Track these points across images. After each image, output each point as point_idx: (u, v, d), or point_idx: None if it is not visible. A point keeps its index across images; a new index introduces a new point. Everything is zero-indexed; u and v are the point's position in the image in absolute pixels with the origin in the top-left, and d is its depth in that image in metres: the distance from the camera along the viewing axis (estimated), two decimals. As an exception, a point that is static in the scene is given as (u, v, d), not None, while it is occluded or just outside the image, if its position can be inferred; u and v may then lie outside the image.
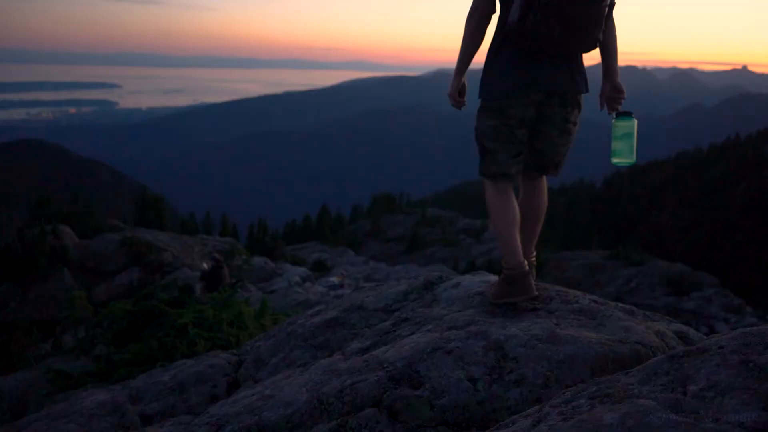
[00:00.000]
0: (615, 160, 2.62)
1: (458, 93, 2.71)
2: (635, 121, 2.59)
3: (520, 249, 2.64)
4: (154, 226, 22.12)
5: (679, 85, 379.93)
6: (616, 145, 2.56)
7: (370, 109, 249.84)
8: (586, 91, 2.68)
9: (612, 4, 2.45)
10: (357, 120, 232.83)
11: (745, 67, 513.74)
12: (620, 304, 2.79)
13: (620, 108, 2.70)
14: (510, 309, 2.59)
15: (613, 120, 2.61)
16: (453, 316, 2.60)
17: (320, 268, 22.09)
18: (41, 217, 18.42)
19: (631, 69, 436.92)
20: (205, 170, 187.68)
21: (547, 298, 2.69)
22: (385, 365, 2.24)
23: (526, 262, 2.64)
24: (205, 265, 8.80)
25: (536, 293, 2.63)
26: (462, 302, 2.78)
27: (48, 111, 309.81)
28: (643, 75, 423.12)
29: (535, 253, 2.97)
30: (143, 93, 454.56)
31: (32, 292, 15.68)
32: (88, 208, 20.74)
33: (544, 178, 2.89)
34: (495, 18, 2.61)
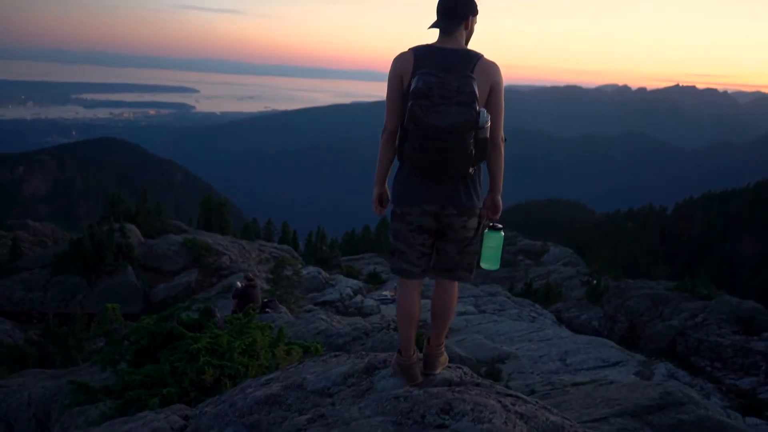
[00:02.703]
0: (483, 264, 3.00)
1: (379, 201, 3.00)
2: (502, 236, 2.99)
3: (412, 343, 3.02)
4: (216, 228, 22.81)
5: (763, 111, 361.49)
6: (484, 251, 2.97)
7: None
8: (478, 204, 2.92)
9: (487, 139, 2.73)
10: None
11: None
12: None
13: (496, 221, 3.04)
14: (418, 423, 2.59)
15: (485, 230, 2.97)
16: (360, 423, 2.57)
17: (374, 281, 22.08)
18: (112, 215, 19.31)
19: (710, 92, 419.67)
20: (273, 175, 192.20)
21: (460, 413, 2.57)
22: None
23: (415, 355, 3.03)
24: (238, 284, 8.90)
25: (420, 380, 3.01)
26: (382, 404, 2.75)
27: (129, 112, 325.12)
28: (723, 98, 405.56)
29: (443, 346, 3.17)
30: (219, 98, 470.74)
31: (98, 287, 16.42)
32: (156, 208, 21.54)
33: (455, 284, 3.06)
34: None
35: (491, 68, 2.80)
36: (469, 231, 2.93)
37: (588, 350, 10.97)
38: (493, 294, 20.22)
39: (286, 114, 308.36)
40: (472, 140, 2.69)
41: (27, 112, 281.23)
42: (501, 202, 3.04)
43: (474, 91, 2.64)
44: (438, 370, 3.13)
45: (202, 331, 3.49)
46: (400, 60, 2.85)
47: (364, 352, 3.38)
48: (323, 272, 17.89)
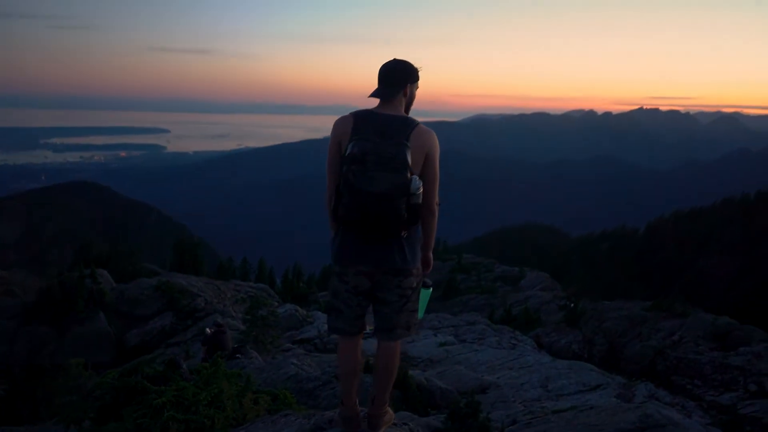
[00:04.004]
0: None
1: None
2: (430, 292, 3.16)
3: (352, 395, 3.13)
4: (190, 270, 22.47)
5: (724, 130, 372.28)
6: None
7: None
8: (414, 265, 2.99)
9: (419, 204, 2.83)
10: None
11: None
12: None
13: (427, 277, 3.16)
14: None
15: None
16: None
17: (353, 315, 21.90)
18: (82, 260, 18.93)
19: (673, 113, 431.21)
20: (247, 213, 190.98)
21: None
22: None
23: (355, 408, 3.14)
24: (208, 330, 8.74)
25: None
26: None
27: (100, 154, 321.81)
28: (686, 119, 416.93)
29: (386, 405, 3.23)
30: (191, 138, 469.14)
31: (69, 336, 15.96)
32: (127, 251, 21.21)
33: (397, 343, 3.11)
34: None
35: (427, 136, 2.87)
36: (405, 290, 2.97)
37: (569, 375, 10.98)
38: (472, 323, 20.20)
39: (258, 151, 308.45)
40: (404, 205, 2.75)
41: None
42: (432, 259, 3.14)
43: (406, 159, 2.73)
44: (382, 430, 3.17)
45: (168, 383, 3.39)
46: (339, 124, 2.93)
47: (312, 412, 3.38)
48: (300, 309, 17.70)
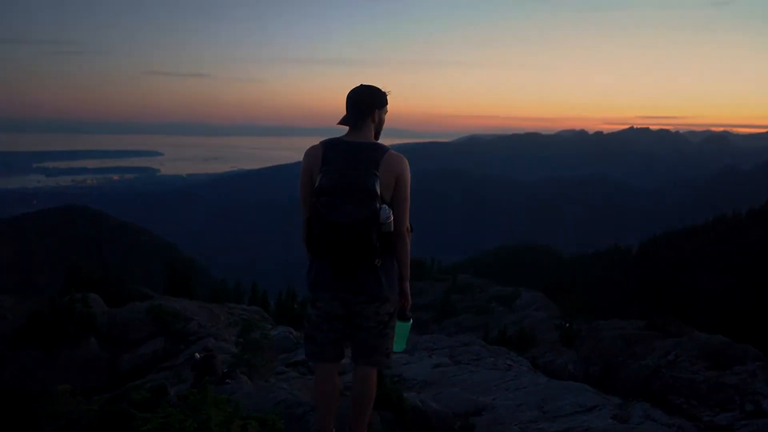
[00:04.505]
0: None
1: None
2: (409, 325, 3.14)
3: (329, 424, 3.10)
4: (183, 293, 22.33)
5: (714, 149, 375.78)
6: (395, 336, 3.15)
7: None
8: (389, 291, 2.98)
9: (391, 232, 2.82)
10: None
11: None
12: None
13: (406, 311, 3.13)
14: None
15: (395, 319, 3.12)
16: None
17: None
18: (73, 284, 18.80)
19: (663, 133, 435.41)
20: (240, 235, 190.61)
21: None
22: None
23: None
24: (197, 355, 8.68)
25: None
26: None
27: (92, 178, 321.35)
28: (676, 138, 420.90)
29: None
30: (184, 160, 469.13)
31: (59, 360, 15.78)
32: (119, 275, 21.09)
33: (374, 370, 3.11)
34: None
35: (396, 161, 2.87)
36: (383, 316, 2.97)
37: (565, 396, 10.90)
38: (467, 344, 20.08)
39: (251, 173, 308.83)
40: (375, 234, 2.76)
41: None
42: (409, 289, 3.10)
43: (375, 189, 2.73)
44: None
45: (155, 410, 3.35)
46: (309, 155, 2.96)
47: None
48: (294, 332, 17.58)
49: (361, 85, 2.94)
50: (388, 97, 3.01)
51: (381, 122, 2.98)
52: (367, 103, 2.90)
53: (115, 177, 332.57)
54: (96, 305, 17.32)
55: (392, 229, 2.84)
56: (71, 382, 14.41)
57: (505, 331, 27.92)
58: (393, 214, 2.83)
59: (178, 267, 23.14)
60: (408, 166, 2.93)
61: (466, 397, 10.43)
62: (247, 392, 6.54)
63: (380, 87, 2.98)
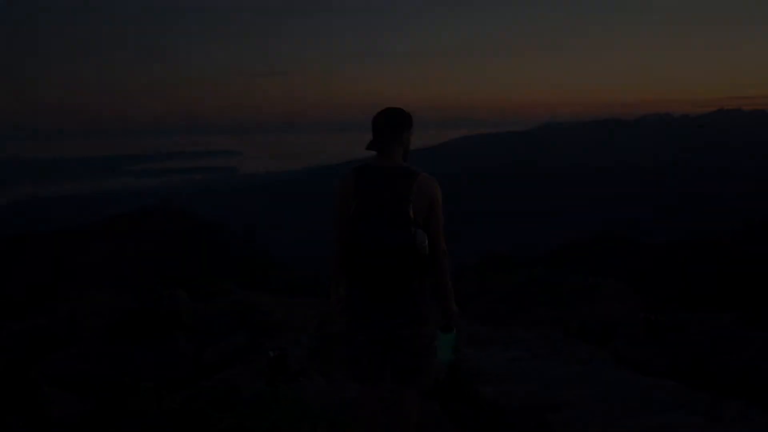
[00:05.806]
0: (439, 356, 3.23)
1: (337, 302, 3.20)
2: (452, 336, 3.16)
3: None
4: (262, 287, 23.04)
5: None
6: (438, 346, 3.15)
7: (475, 166, 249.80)
8: (428, 313, 3.01)
9: (426, 256, 2.83)
10: (462, 178, 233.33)
11: None
12: None
13: (449, 323, 3.14)
14: None
15: (439, 331, 3.16)
16: None
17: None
18: (161, 281, 19.78)
19: (757, 114, 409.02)
20: (319, 230, 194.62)
21: None
22: None
23: None
24: (270, 353, 8.86)
25: None
26: None
27: (178, 178, 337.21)
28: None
29: None
30: (262, 158, 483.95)
31: (149, 354, 16.64)
32: (203, 271, 21.98)
33: (414, 393, 3.09)
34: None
35: (428, 184, 2.91)
36: (423, 338, 3.00)
37: (650, 392, 10.47)
38: (545, 337, 19.67)
39: (328, 168, 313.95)
40: (411, 259, 2.79)
41: (83, 186, 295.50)
42: (455, 308, 3.12)
43: (409, 214, 2.77)
44: None
45: (230, 409, 3.47)
46: (342, 183, 3.06)
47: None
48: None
49: (387, 108, 2.99)
50: (412, 119, 3.08)
51: (408, 144, 3.04)
52: (393, 125, 2.95)
53: (198, 176, 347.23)
54: (182, 301, 18.14)
55: (427, 252, 2.85)
56: (160, 374, 15.19)
57: (585, 323, 27.14)
58: (428, 236, 2.86)
59: (258, 262, 23.88)
60: (439, 188, 2.96)
61: (543, 392, 10.18)
62: (318, 391, 6.65)
63: (403, 108, 3.03)
